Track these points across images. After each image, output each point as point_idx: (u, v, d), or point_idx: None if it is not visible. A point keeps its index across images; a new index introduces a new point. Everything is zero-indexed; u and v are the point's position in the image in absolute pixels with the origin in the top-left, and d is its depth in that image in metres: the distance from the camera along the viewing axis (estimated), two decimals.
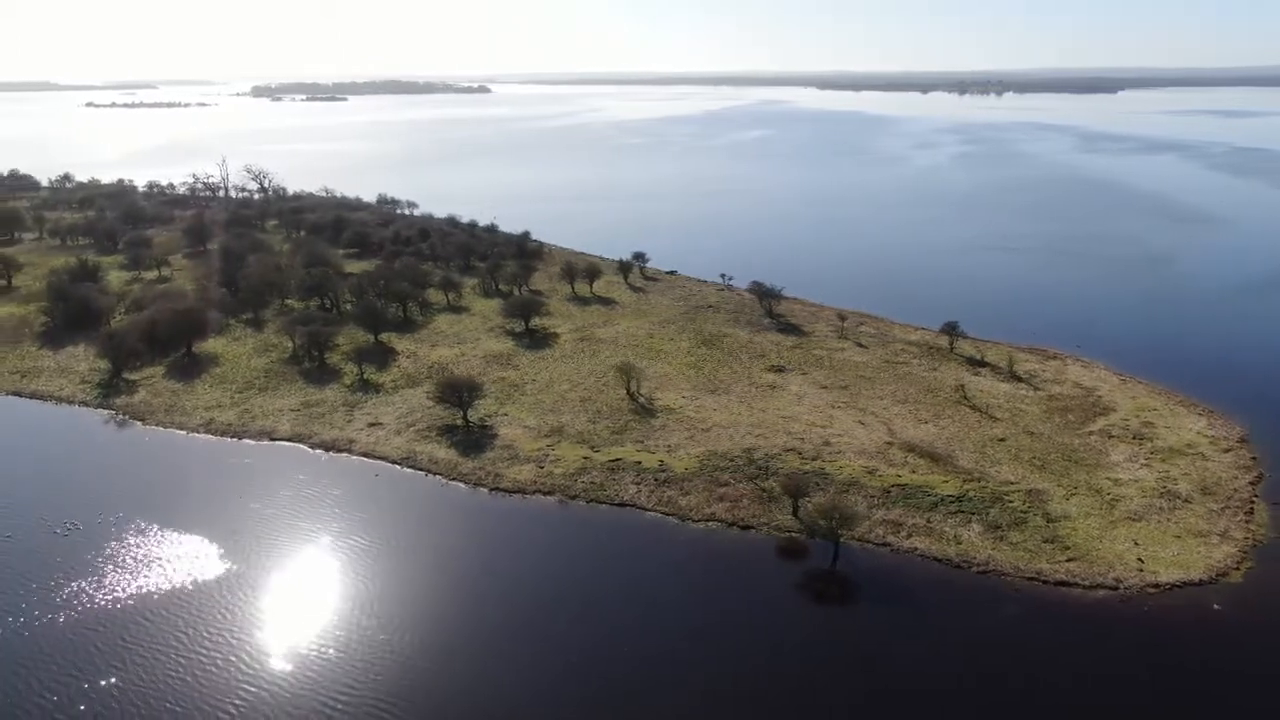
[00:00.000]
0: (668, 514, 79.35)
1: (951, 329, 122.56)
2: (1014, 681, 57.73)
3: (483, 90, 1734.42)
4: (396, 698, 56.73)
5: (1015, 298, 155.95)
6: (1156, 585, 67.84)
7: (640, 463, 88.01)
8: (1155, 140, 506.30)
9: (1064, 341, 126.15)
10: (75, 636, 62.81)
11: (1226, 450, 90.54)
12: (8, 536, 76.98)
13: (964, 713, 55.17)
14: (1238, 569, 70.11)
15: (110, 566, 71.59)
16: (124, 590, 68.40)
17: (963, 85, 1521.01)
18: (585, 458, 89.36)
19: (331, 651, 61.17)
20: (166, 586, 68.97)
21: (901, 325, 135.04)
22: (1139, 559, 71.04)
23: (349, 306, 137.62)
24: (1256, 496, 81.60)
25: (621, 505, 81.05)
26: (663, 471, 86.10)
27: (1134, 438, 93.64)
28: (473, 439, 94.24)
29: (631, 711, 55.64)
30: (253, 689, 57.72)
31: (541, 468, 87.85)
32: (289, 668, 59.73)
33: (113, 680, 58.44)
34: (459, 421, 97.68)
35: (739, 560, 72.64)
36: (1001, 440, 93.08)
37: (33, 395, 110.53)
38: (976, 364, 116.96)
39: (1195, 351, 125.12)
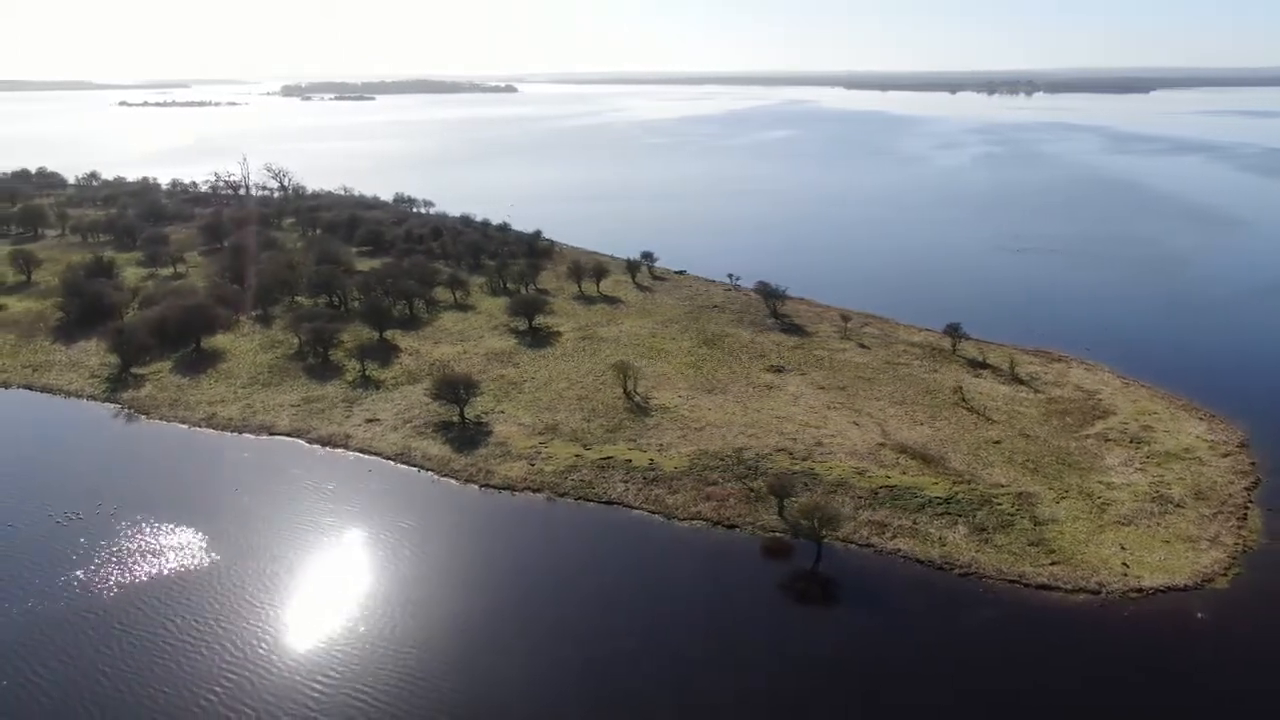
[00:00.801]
0: (653, 512, 79.70)
1: (954, 330, 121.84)
2: (982, 684, 57.55)
3: (509, 90, 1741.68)
4: (370, 685, 57.70)
5: (1026, 300, 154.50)
6: (1139, 590, 67.26)
7: (631, 461, 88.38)
8: (1185, 141, 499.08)
9: (1073, 344, 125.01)
10: (71, 621, 64.37)
11: (1225, 455, 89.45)
12: (10, 525, 78.83)
13: (929, 714, 55.04)
14: (1225, 575, 69.34)
15: (105, 556, 73.13)
16: (117, 579, 69.89)
17: (992, 85, 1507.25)
18: (576, 456, 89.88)
19: (308, 639, 62.26)
20: (157, 575, 70.42)
21: (906, 326, 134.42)
22: (1124, 563, 70.45)
23: (356, 304, 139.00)
24: (1251, 502, 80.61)
25: (609, 503, 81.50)
26: (652, 470, 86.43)
27: (1131, 441, 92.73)
28: (467, 436, 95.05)
29: (596, 706, 56.00)
30: (234, 675, 58.88)
31: (532, 465, 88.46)
32: (268, 654, 60.86)
33: (103, 665, 59.76)
34: (455, 418, 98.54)
35: (720, 559, 72.82)
36: (996, 443, 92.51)
37: (43, 389, 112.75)
38: (978, 366, 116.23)
39: (1205, 355, 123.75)
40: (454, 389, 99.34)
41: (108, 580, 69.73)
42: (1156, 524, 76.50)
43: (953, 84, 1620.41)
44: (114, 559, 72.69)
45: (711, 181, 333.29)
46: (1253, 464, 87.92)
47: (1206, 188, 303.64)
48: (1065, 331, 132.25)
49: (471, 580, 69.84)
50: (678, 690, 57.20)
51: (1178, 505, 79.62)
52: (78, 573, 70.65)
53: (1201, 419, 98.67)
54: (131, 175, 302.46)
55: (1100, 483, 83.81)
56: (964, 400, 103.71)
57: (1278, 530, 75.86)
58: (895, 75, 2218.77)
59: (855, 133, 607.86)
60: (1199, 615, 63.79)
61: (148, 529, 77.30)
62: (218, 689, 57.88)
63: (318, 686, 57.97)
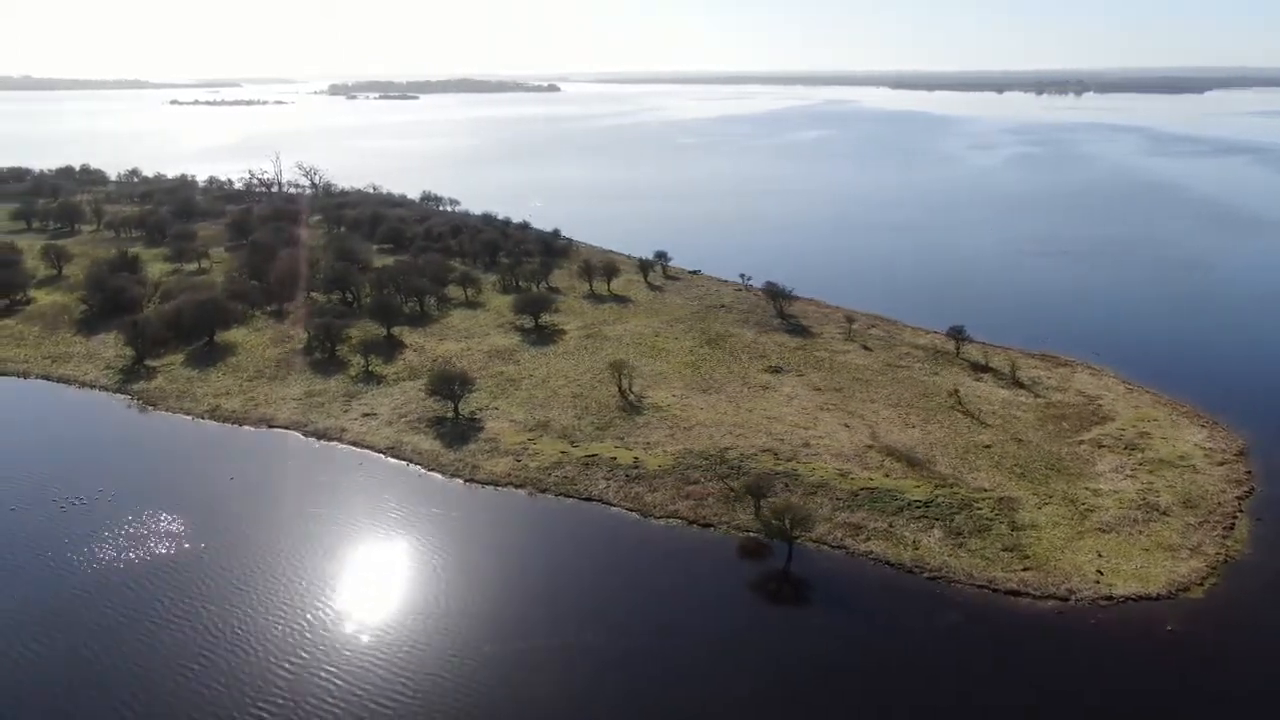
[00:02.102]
0: (631, 509, 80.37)
1: (957, 333, 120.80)
2: (931, 688, 57.38)
3: (552, 89, 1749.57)
4: (333, 666, 59.58)
5: (1040, 303, 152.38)
6: (1110, 598, 66.49)
7: (616, 459, 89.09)
8: (1231, 142, 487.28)
9: (1082, 348, 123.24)
10: (65, 603, 66.93)
11: (1221, 463, 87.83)
12: (12, 510, 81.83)
13: (872, 716, 55.06)
14: (1201, 585, 68.28)
15: (102, 540, 75.74)
16: (111, 562, 72.42)
17: (1040, 85, 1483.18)
18: (563, 452, 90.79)
19: (281, 622, 64.13)
20: (148, 559, 72.86)
21: (913, 329, 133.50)
22: (1099, 571, 69.64)
23: (368, 300, 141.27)
24: (1241, 511, 79.16)
25: (589, 500, 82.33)
26: (635, 468, 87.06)
27: (1125, 448, 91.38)
28: (459, 431, 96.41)
29: (547, 700, 56.80)
30: (210, 654, 61.08)
31: (518, 461, 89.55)
32: (245, 634, 62.97)
33: (93, 644, 62.14)
34: (450, 414, 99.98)
35: (690, 557, 73.25)
36: (987, 447, 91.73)
37: (59, 379, 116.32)
38: (980, 369, 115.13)
39: (1218, 361, 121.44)
40: (449, 385, 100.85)
41: (101, 562, 72.27)
42: (1139, 532, 75.44)
43: (1000, 84, 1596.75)
44: (109, 543, 75.18)
45: (738, 181, 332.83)
46: (1249, 473, 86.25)
47: (1244, 190, 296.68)
48: (1076, 335, 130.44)
49: (434, 571, 71.37)
50: (624, 685, 57.79)
51: (1163, 513, 78.43)
52: (73, 556, 73.15)
53: (1203, 426, 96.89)
54: (171, 172, 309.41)
55: (1087, 489, 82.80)
56: (960, 403, 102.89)
57: (1264, 540, 74.50)
58: (941, 75, 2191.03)
59: (891, 133, 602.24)
60: (1168, 627, 62.73)
61: (143, 516, 79.62)
62: (195, 667, 59.97)
63: (287, 666, 59.92)
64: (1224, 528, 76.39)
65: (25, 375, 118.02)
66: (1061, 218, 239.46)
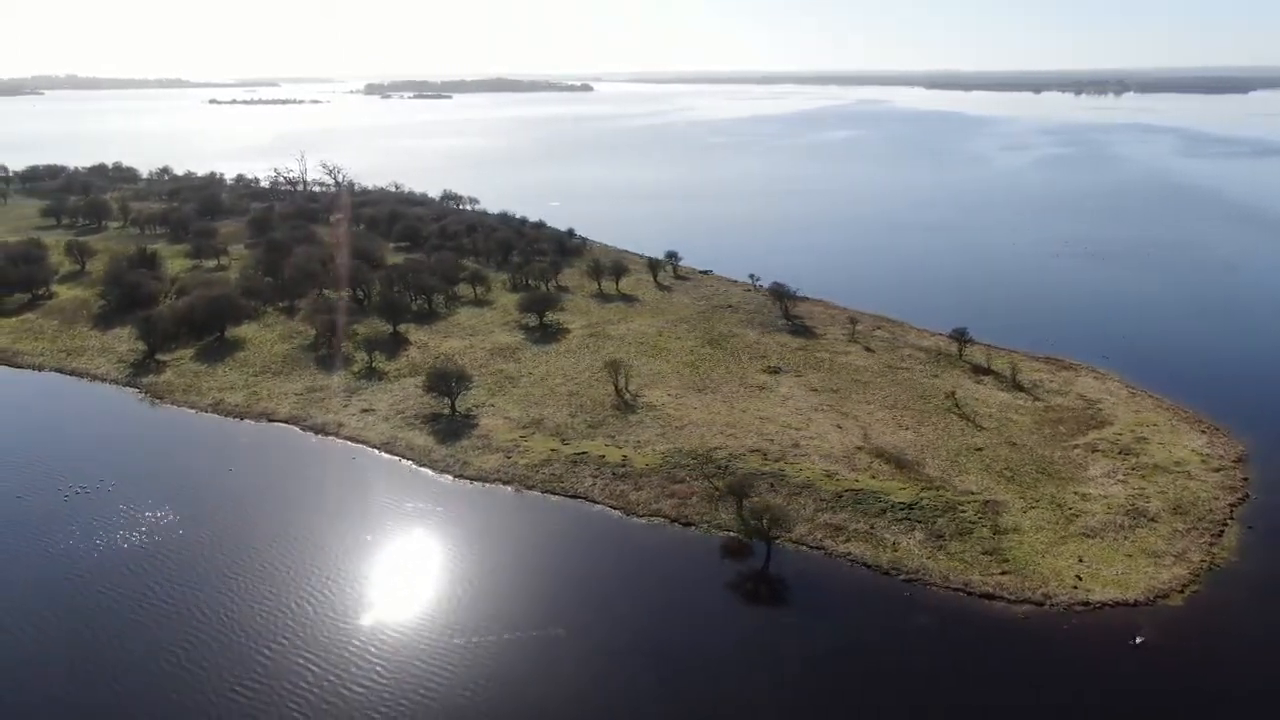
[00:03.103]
0: (615, 507, 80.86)
1: (960, 335, 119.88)
2: (890, 689, 57.30)
3: (585, 89, 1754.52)
4: (312, 652, 61.11)
5: (1052, 306, 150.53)
6: (1086, 604, 65.90)
7: (604, 457, 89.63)
8: (1271, 144, 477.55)
9: (1092, 351, 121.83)
10: (60, 584, 69.28)
11: (1217, 470, 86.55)
12: (18, 497, 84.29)
13: (832, 714, 55.11)
14: (1181, 592, 67.45)
15: (101, 527, 77.92)
16: (107, 548, 74.59)
17: (1079, 85, 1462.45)
18: (553, 450, 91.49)
19: (263, 608, 65.66)
20: (141, 546, 74.96)
21: (919, 330, 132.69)
22: (1077, 576, 69.03)
23: (377, 297, 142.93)
24: (1232, 519, 78.02)
25: (574, 497, 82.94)
26: (623, 466, 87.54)
27: (1120, 453, 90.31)
28: (454, 428, 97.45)
29: (509, 693, 57.48)
30: (196, 637, 62.87)
31: (508, 458, 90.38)
32: (229, 620, 64.70)
33: (85, 628, 64.17)
34: (446, 411, 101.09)
35: (670, 556, 73.68)
36: (979, 450, 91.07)
37: (73, 372, 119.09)
38: (982, 371, 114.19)
39: (1230, 366, 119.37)
40: (446, 382, 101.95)
41: (98, 549, 74.46)
42: (1123, 537, 74.64)
43: (1038, 84, 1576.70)
44: (108, 530, 77.31)
45: (762, 181, 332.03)
46: (1245, 480, 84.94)
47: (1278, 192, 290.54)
48: (1087, 338, 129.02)
49: (409, 564, 72.53)
50: (584, 679, 58.30)
51: (1151, 519, 77.49)
52: (72, 542, 75.42)
53: (1203, 432, 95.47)
54: (201, 170, 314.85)
55: (1076, 493, 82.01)
56: (957, 406, 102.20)
57: (1253, 548, 73.44)
58: (978, 75, 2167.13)
59: (921, 133, 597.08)
60: (1139, 637, 61.88)
61: (140, 505, 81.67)
62: (179, 650, 61.66)
63: (266, 652, 61.48)
64: (1212, 535, 75.35)
65: (40, 368, 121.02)
66: (1087, 219, 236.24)
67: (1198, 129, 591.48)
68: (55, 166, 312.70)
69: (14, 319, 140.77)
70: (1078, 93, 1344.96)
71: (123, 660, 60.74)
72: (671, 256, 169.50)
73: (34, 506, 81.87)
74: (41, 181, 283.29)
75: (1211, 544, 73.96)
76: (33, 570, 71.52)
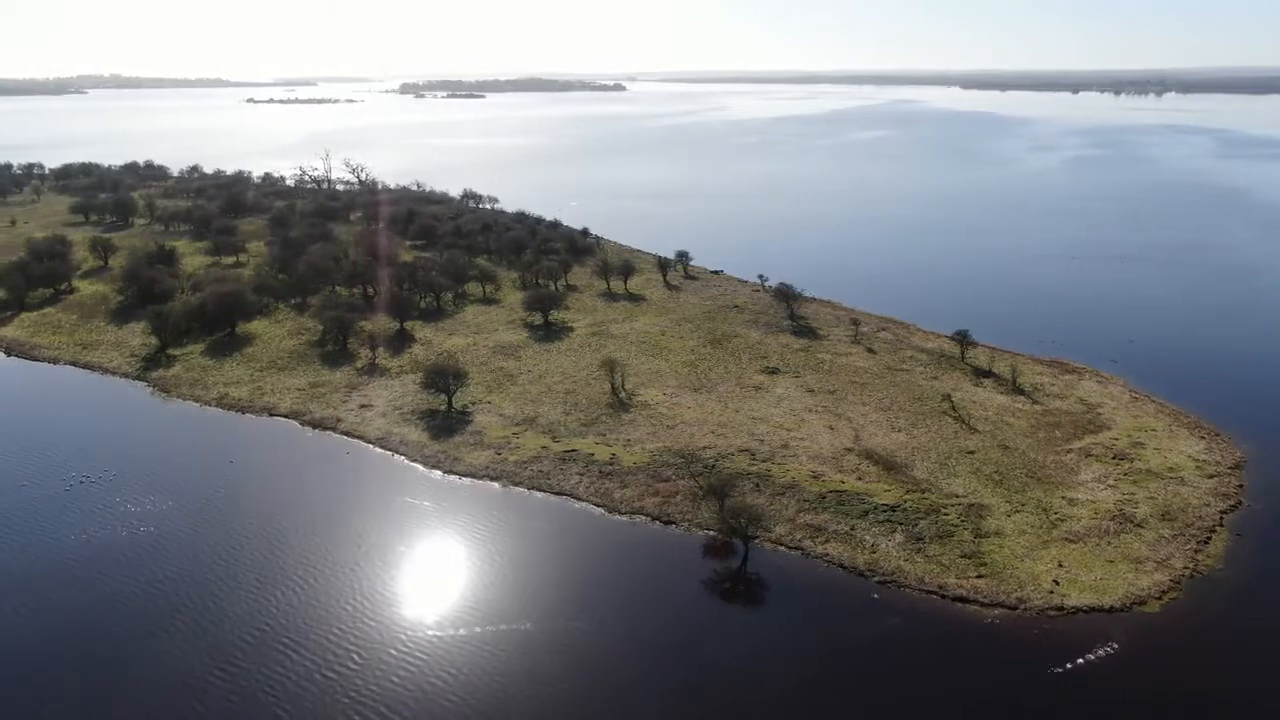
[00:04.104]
0: (598, 504, 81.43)
1: (962, 337, 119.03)
2: (852, 687, 57.37)
3: (618, 89, 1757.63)
4: (291, 638, 62.46)
5: (1068, 309, 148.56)
6: (1060, 609, 65.38)
7: (593, 455, 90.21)
8: None
9: (1100, 355, 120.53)
10: (57, 572, 71.32)
11: (1211, 476, 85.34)
12: (23, 485, 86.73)
13: (786, 713, 55.29)
14: (1159, 599, 66.70)
15: (100, 516, 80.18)
16: (104, 536, 76.78)
17: (1118, 85, 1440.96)
18: (543, 447, 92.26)
19: (250, 594, 67.14)
20: (136, 535, 77.03)
21: (923, 332, 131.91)
22: (1055, 581, 68.48)
23: (387, 295, 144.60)
24: (1221, 525, 76.93)
25: (559, 494, 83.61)
26: (610, 464, 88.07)
27: (1114, 458, 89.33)
28: (449, 424, 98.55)
29: (473, 684, 58.27)
30: (185, 620, 65.09)
31: (499, 454, 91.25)
32: (217, 605, 66.69)
33: (78, 611, 66.40)
34: (443, 407, 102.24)
35: (648, 553, 74.08)
36: (970, 453, 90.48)
37: (86, 365, 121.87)
38: (983, 374, 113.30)
39: (1240, 371, 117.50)
40: (443, 378, 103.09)
41: (97, 536, 76.72)
42: (1107, 543, 73.89)
43: (1077, 84, 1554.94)
44: (106, 519, 79.53)
45: (784, 181, 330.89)
46: (1240, 487, 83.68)
47: None
48: (1097, 342, 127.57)
49: (389, 556, 73.48)
50: (546, 672, 58.90)
51: (1138, 525, 76.63)
52: (70, 530, 77.73)
53: (1203, 437, 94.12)
54: (231, 168, 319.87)
55: (1063, 498, 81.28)
56: (953, 408, 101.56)
57: (1238, 556, 72.38)
58: (1015, 75, 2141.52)
59: (951, 134, 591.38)
60: (1109, 647, 61.28)
61: (139, 495, 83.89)
62: (168, 630, 63.85)
63: (252, 635, 63.18)
64: (1199, 542, 74.36)
65: (55, 361, 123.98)
66: (1110, 222, 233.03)
67: (1236, 130, 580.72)
68: (89, 165, 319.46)
69: (35, 313, 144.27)
70: (1117, 93, 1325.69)
71: (113, 646, 62.45)
72: (682, 256, 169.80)
73: (36, 495, 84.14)
74: (75, 179, 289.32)
75: (1197, 551, 73.00)
76: (28, 556, 73.64)
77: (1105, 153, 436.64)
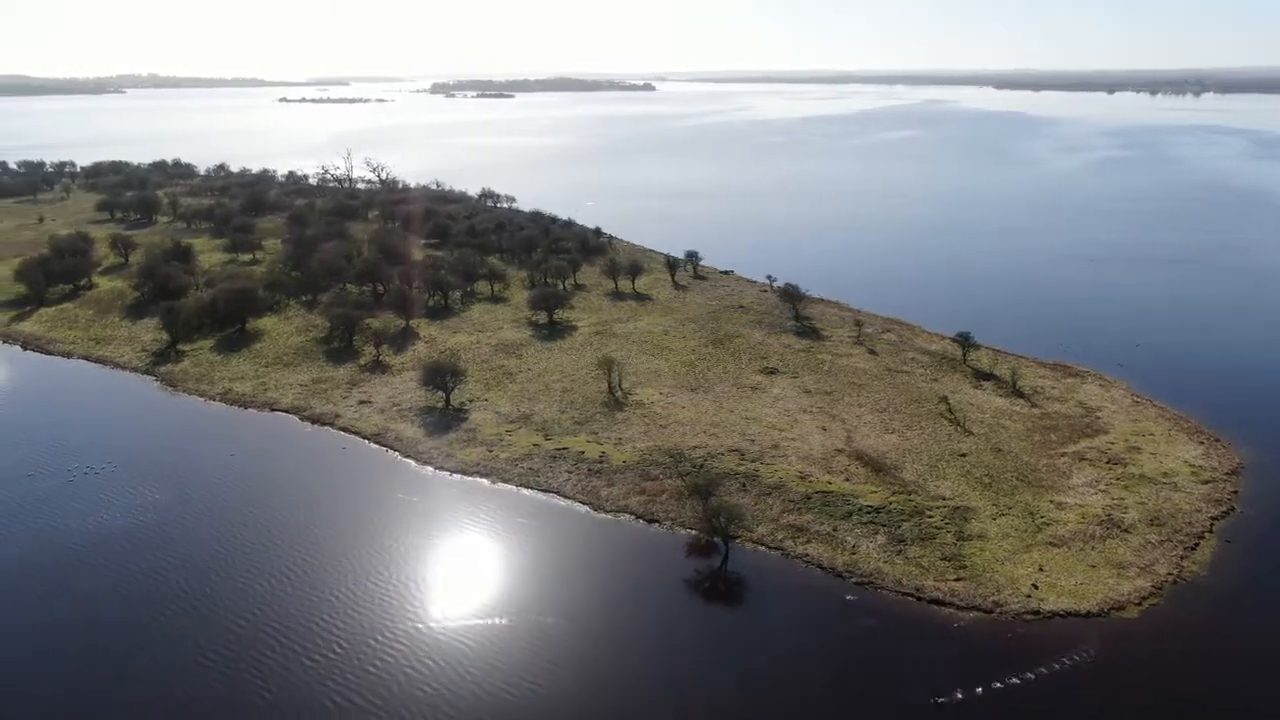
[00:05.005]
0: (584, 502, 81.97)
1: (964, 339, 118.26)
2: (816, 687, 57.45)
3: (648, 89, 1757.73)
4: (278, 625, 63.59)
5: (1079, 311, 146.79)
6: (1036, 613, 65.00)
7: (584, 453, 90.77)
8: None
9: (1107, 358, 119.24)
10: (55, 564, 73.19)
11: (1206, 482, 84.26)
12: (29, 475, 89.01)
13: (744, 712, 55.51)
14: (1139, 605, 66.08)
15: (100, 506, 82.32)
16: (103, 524, 78.95)
17: (1155, 85, 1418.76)
18: (535, 445, 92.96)
19: (240, 583, 68.77)
20: (134, 524, 79.09)
21: (929, 334, 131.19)
22: (1034, 585, 68.05)
23: (394, 293, 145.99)
24: (1210, 532, 76.01)
25: (547, 491, 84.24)
26: (600, 462, 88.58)
27: (1108, 462, 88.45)
28: (444, 421, 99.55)
29: (444, 678, 59.04)
30: (177, 604, 67.19)
31: (491, 451, 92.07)
32: (211, 592, 68.42)
33: (78, 595, 68.53)
34: (440, 404, 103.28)
35: (630, 551, 74.65)
36: (962, 455, 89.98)
37: (98, 360, 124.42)
38: (984, 377, 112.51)
39: (1249, 376, 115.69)
40: (440, 376, 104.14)
41: (96, 524, 78.87)
42: (1091, 548, 73.27)
43: (1113, 84, 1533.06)
44: (106, 509, 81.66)
45: (806, 181, 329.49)
46: (1234, 493, 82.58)
47: None
48: (1106, 345, 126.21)
49: (371, 549, 74.48)
50: (514, 667, 59.54)
51: (1125, 530, 75.89)
52: (70, 519, 79.84)
53: (1201, 443, 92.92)
54: (256, 167, 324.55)
55: (1051, 502, 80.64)
56: (950, 411, 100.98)
57: (1225, 563, 71.51)
58: (1050, 74, 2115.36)
59: (979, 134, 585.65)
60: (1084, 649, 60.83)
61: (137, 484, 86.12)
62: (162, 616, 65.78)
63: (242, 622, 64.92)
64: (1186, 548, 73.52)
65: (69, 355, 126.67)
66: (1131, 224, 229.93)
67: (1271, 131, 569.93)
68: (119, 163, 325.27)
69: (53, 308, 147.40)
70: (1153, 93, 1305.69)
71: (109, 626, 64.60)
72: (692, 256, 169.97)
73: (39, 486, 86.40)
74: (104, 177, 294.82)
75: (1183, 557, 72.19)
76: (31, 542, 75.92)
77: (1133, 154, 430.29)
